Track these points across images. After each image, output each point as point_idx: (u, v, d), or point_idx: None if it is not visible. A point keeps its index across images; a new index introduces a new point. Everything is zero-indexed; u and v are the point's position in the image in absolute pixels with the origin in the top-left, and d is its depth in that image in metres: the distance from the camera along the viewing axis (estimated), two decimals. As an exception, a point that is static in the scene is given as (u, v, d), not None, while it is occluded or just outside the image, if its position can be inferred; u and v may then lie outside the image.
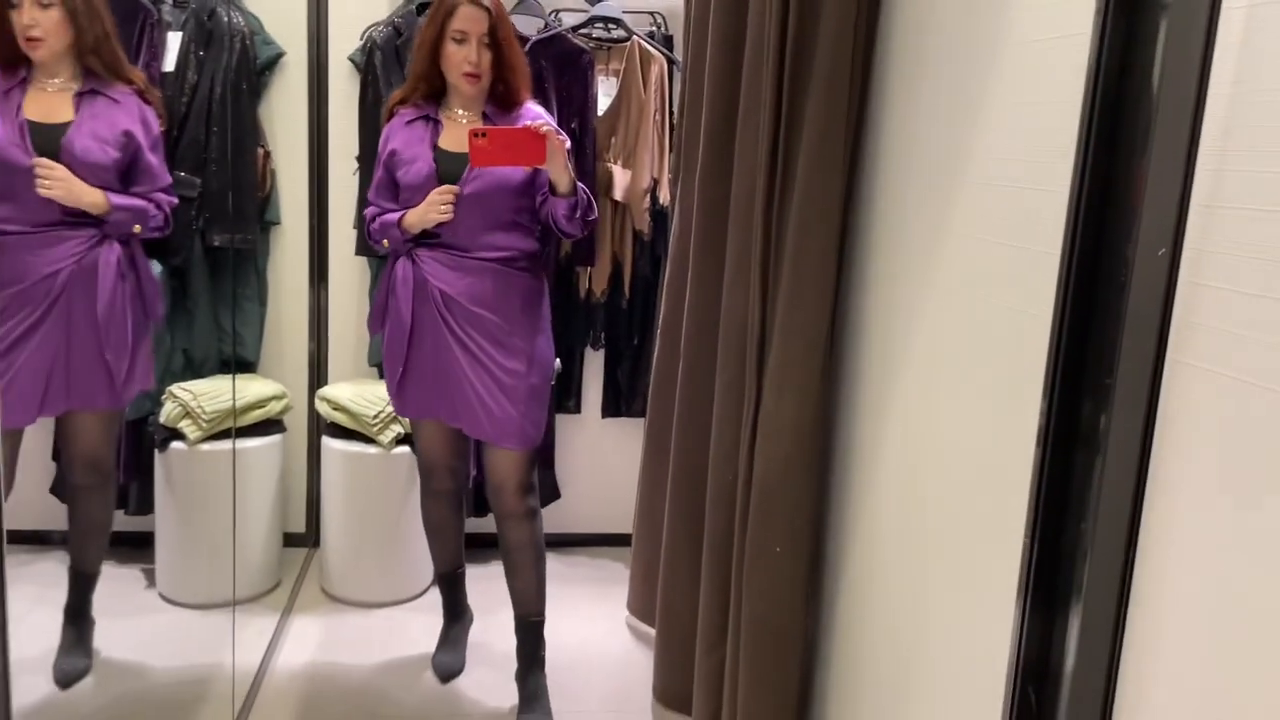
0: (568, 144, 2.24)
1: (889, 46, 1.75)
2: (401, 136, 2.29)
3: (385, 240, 2.31)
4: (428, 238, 2.26)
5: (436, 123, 2.27)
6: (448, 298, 2.24)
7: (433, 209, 2.21)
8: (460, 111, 2.28)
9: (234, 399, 2.61)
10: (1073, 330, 1.06)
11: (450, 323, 2.25)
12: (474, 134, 2.07)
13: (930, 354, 1.55)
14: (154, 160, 2.15)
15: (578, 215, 2.22)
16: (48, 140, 1.97)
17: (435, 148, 2.25)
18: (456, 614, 2.70)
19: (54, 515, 2.38)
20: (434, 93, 2.29)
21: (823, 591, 2.00)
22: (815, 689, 2.02)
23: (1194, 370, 0.96)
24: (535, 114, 2.29)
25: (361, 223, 2.89)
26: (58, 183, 1.96)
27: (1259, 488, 0.88)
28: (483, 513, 3.19)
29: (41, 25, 1.95)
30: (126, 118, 2.08)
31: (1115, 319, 1.00)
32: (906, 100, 1.67)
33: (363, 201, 2.95)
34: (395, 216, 2.27)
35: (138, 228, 2.11)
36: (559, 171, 2.16)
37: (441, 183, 2.23)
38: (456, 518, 2.60)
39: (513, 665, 2.47)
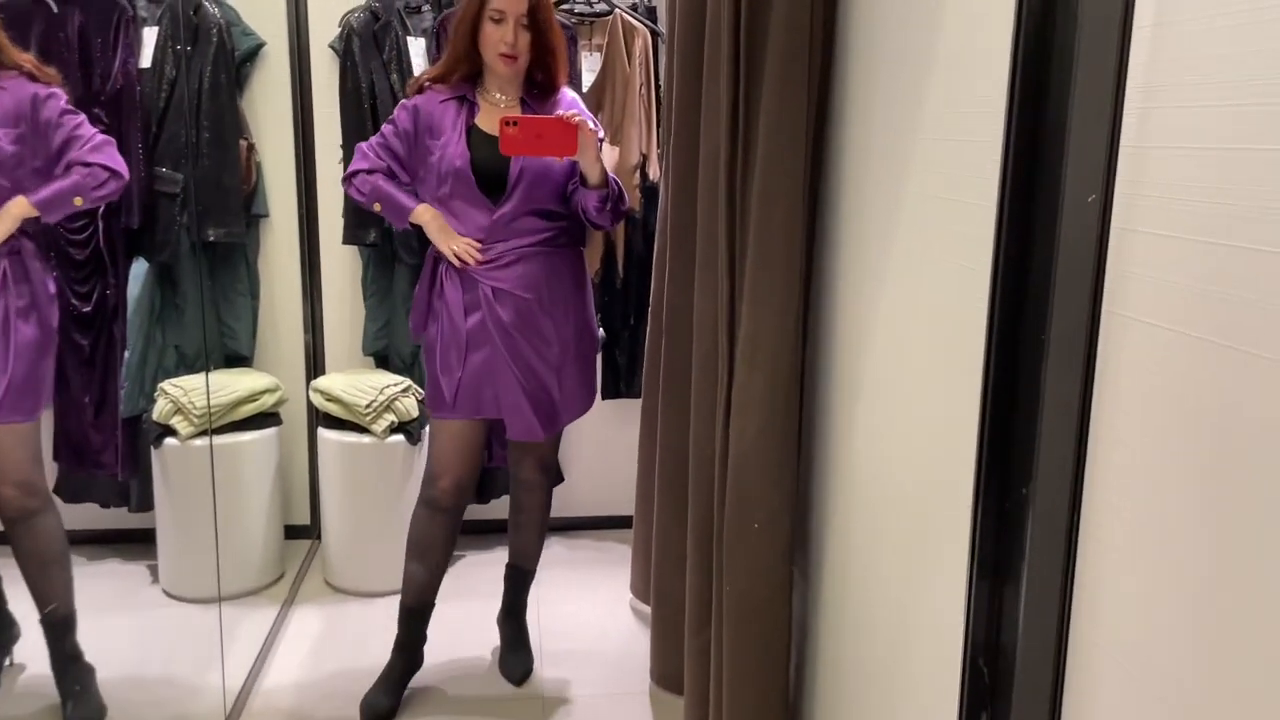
0: (600, 134, 2.21)
1: (849, 7, 1.69)
2: (434, 112, 2.22)
3: (375, 204, 2.25)
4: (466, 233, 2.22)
5: (473, 105, 2.22)
6: (499, 292, 2.20)
7: (455, 250, 2.18)
8: (497, 95, 2.24)
9: (208, 392, 2.61)
10: (1007, 287, 1.00)
11: (500, 315, 2.20)
12: (505, 122, 2.05)
13: (894, 317, 1.49)
14: (68, 124, 2.04)
15: (608, 206, 2.19)
16: None
17: (470, 130, 2.20)
18: (410, 653, 2.39)
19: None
20: (470, 74, 2.23)
21: (808, 567, 1.95)
22: (805, 666, 1.98)
23: (1130, 322, 0.90)
24: (570, 101, 2.27)
25: (358, 212, 2.89)
26: None
27: (1193, 444, 0.82)
28: (485, 499, 3.18)
29: None
30: (13, 102, 2.00)
31: (1047, 272, 0.95)
32: (868, 58, 1.61)
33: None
34: (408, 202, 2.21)
35: (79, 200, 2.03)
36: (590, 163, 2.14)
37: (477, 172, 2.17)
38: (447, 542, 2.36)
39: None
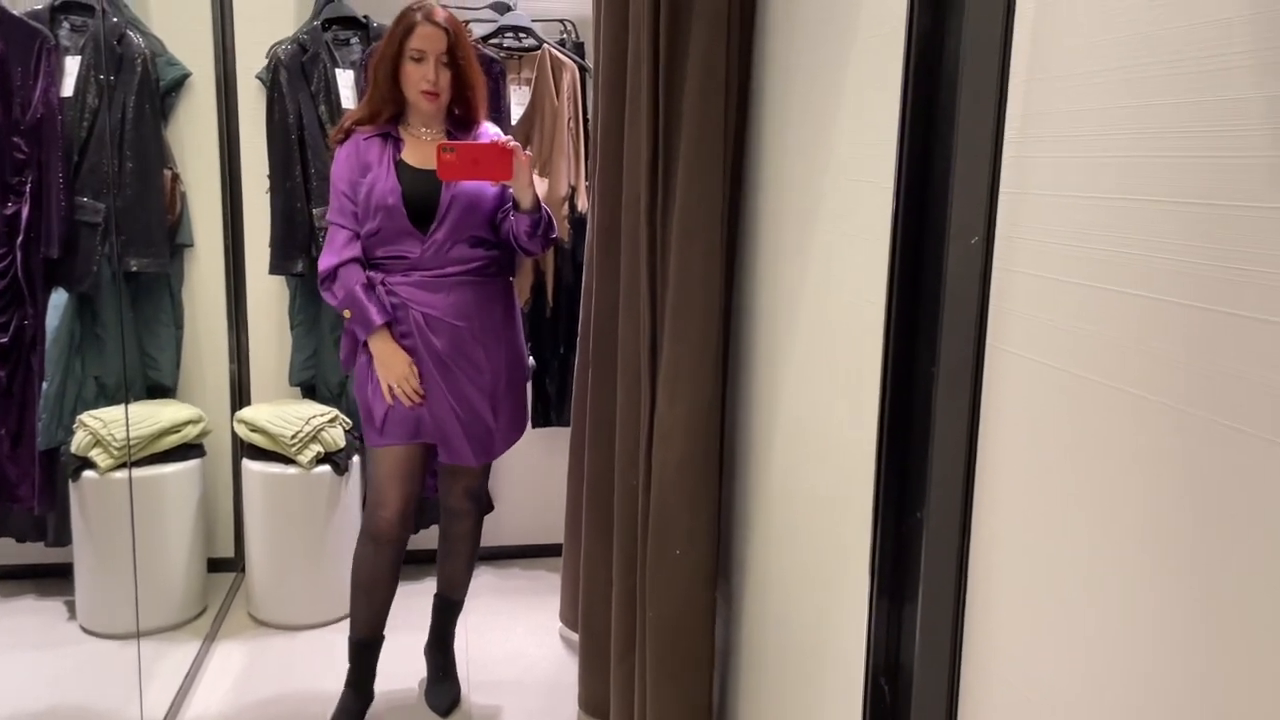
0: (531, 160, 2.24)
1: (764, 56, 1.76)
2: (362, 150, 2.23)
3: (347, 311, 2.22)
4: (396, 261, 2.22)
5: (398, 140, 2.24)
6: (430, 319, 2.21)
7: (397, 382, 2.20)
8: (422, 129, 2.27)
9: (127, 424, 2.57)
10: (900, 323, 1.06)
11: (434, 344, 2.22)
12: (442, 148, 2.08)
13: (805, 351, 1.55)
14: None
15: (539, 232, 2.23)
16: None
17: (398, 164, 2.22)
18: (362, 689, 2.42)
19: None
20: (395, 114, 2.26)
21: (730, 593, 1.99)
22: (728, 690, 2.02)
23: (1011, 357, 0.96)
24: (493, 135, 2.30)
25: (285, 242, 2.89)
26: None
27: (1071, 471, 0.88)
28: (414, 529, 3.16)
29: None
30: None
31: (936, 309, 1.00)
32: (783, 100, 1.67)
33: (277, 219, 2.93)
34: (375, 318, 2.18)
35: None
36: (523, 188, 2.18)
37: (409, 204, 2.18)
38: (392, 576, 2.37)
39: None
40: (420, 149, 2.23)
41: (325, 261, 2.24)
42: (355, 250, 2.23)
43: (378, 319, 2.19)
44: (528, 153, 2.19)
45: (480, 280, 2.28)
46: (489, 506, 3.24)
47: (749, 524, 1.87)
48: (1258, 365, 0.67)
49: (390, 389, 2.22)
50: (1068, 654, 0.88)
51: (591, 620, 2.35)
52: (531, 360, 2.54)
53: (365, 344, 2.26)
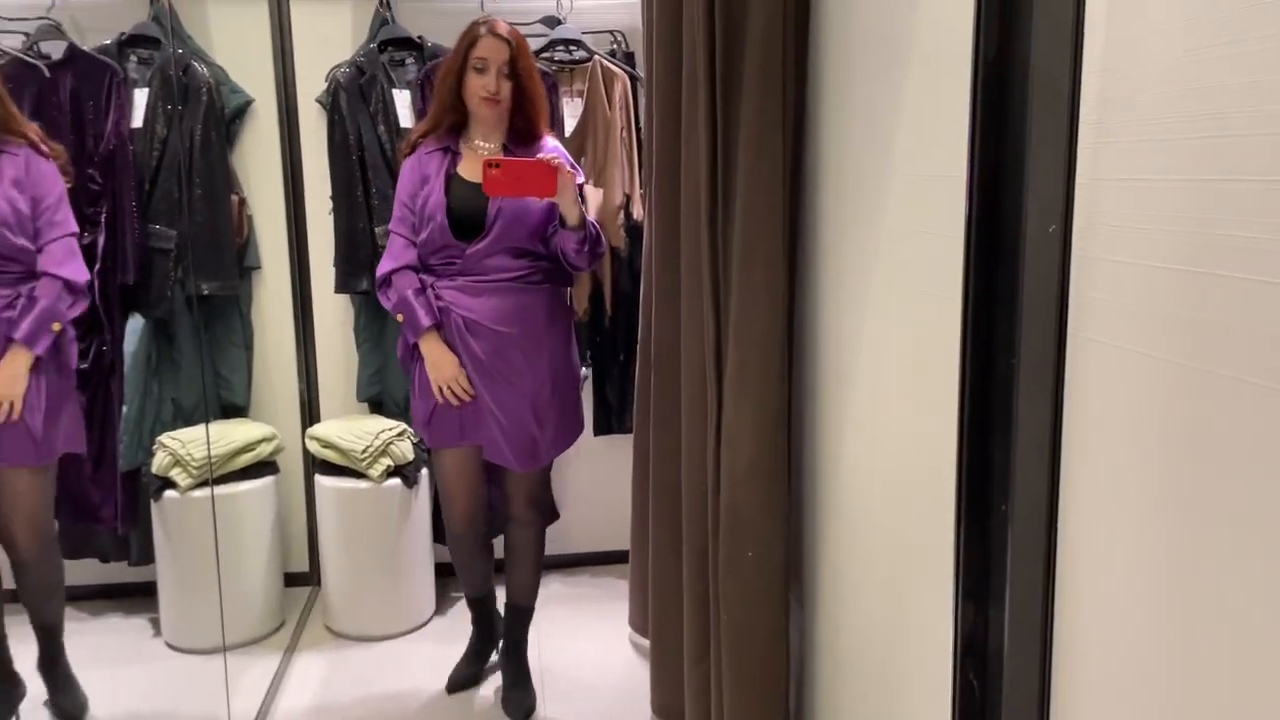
0: (580, 178, 2.31)
1: (820, 57, 1.76)
2: (424, 163, 2.34)
3: (399, 315, 2.33)
4: (445, 266, 2.31)
5: (455, 154, 2.33)
6: (470, 323, 2.29)
7: (444, 382, 2.30)
8: (480, 142, 2.34)
9: (208, 443, 2.64)
10: (978, 314, 1.06)
11: (473, 348, 2.30)
12: (488, 164, 2.14)
13: (874, 347, 1.55)
14: (50, 207, 2.15)
15: (586, 248, 2.29)
16: None
17: (450, 177, 2.30)
18: (485, 633, 2.69)
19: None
20: (457, 124, 2.34)
21: (803, 593, 1.99)
22: (805, 692, 2.01)
23: (1095, 345, 0.96)
24: (552, 148, 2.35)
25: (349, 261, 2.95)
26: None
27: (1160, 458, 0.87)
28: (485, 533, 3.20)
29: None
30: (23, 169, 2.11)
31: (1014, 299, 1.00)
32: (840, 102, 1.68)
33: (340, 239, 2.99)
34: (424, 320, 2.29)
35: (56, 325, 2.14)
36: (569, 205, 2.23)
37: (454, 216, 2.27)
38: (481, 555, 2.58)
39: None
40: (475, 162, 2.30)
41: (382, 267, 2.37)
42: (410, 256, 2.33)
43: (425, 321, 2.29)
44: (573, 170, 2.24)
45: (522, 288, 2.33)
46: (554, 514, 3.28)
47: (820, 525, 1.86)
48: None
49: (441, 390, 2.30)
50: (1163, 650, 0.87)
51: (663, 625, 2.35)
52: (585, 370, 2.58)
53: (415, 346, 2.34)
